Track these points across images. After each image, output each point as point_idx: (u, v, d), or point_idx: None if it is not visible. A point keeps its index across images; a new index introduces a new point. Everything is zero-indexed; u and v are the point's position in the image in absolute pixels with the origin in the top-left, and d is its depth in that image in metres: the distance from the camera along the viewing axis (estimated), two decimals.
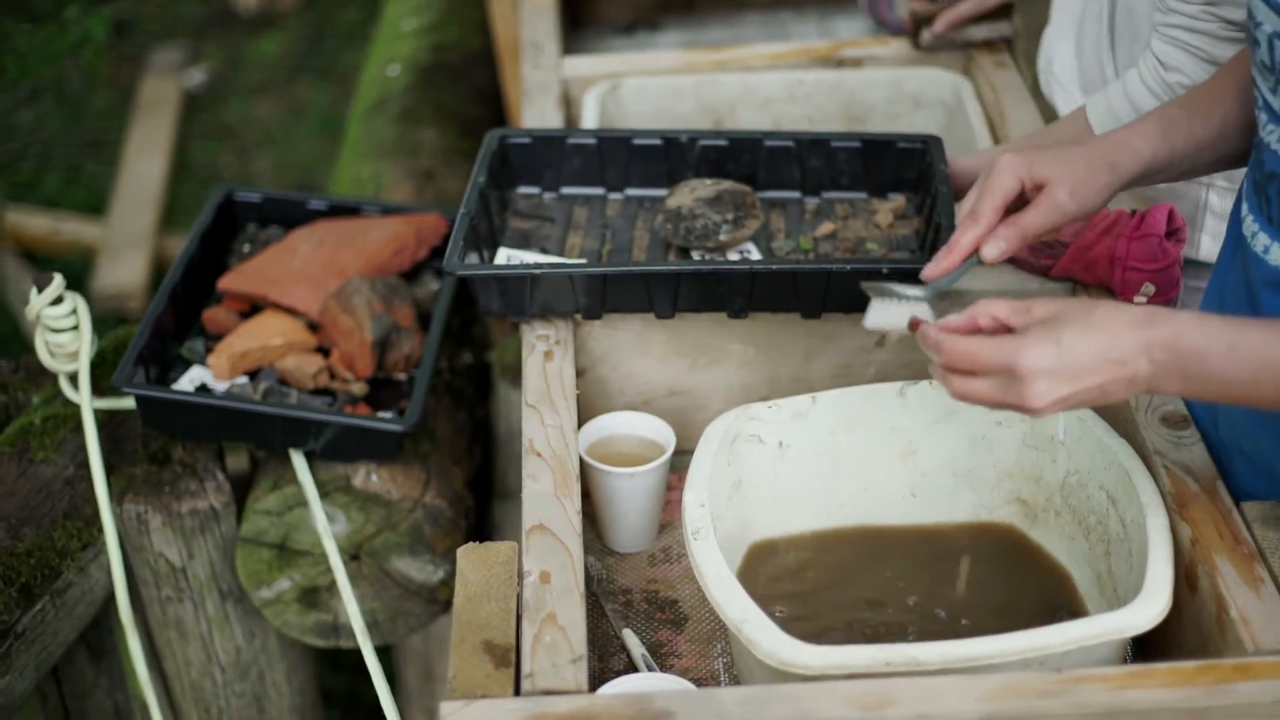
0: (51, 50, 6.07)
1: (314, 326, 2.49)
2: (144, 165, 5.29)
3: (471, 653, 1.70)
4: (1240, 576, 1.75)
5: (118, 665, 2.61)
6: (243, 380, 2.43)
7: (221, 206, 2.69)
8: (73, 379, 2.44)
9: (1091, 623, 1.70)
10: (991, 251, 1.87)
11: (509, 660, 1.69)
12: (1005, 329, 1.69)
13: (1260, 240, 1.77)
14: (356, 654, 2.42)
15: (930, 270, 1.90)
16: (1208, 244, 2.38)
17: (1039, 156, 1.90)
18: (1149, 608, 1.72)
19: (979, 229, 1.88)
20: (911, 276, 2.14)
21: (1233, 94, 1.91)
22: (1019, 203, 1.91)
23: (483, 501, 2.78)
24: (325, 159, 5.22)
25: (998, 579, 2.09)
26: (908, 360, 2.28)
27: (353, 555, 2.38)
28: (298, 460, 2.38)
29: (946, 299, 1.90)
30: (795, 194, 2.45)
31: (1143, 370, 1.63)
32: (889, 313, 1.88)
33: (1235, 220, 1.88)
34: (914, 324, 1.76)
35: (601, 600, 2.10)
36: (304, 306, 2.48)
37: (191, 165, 5.47)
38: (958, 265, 1.89)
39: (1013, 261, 2.28)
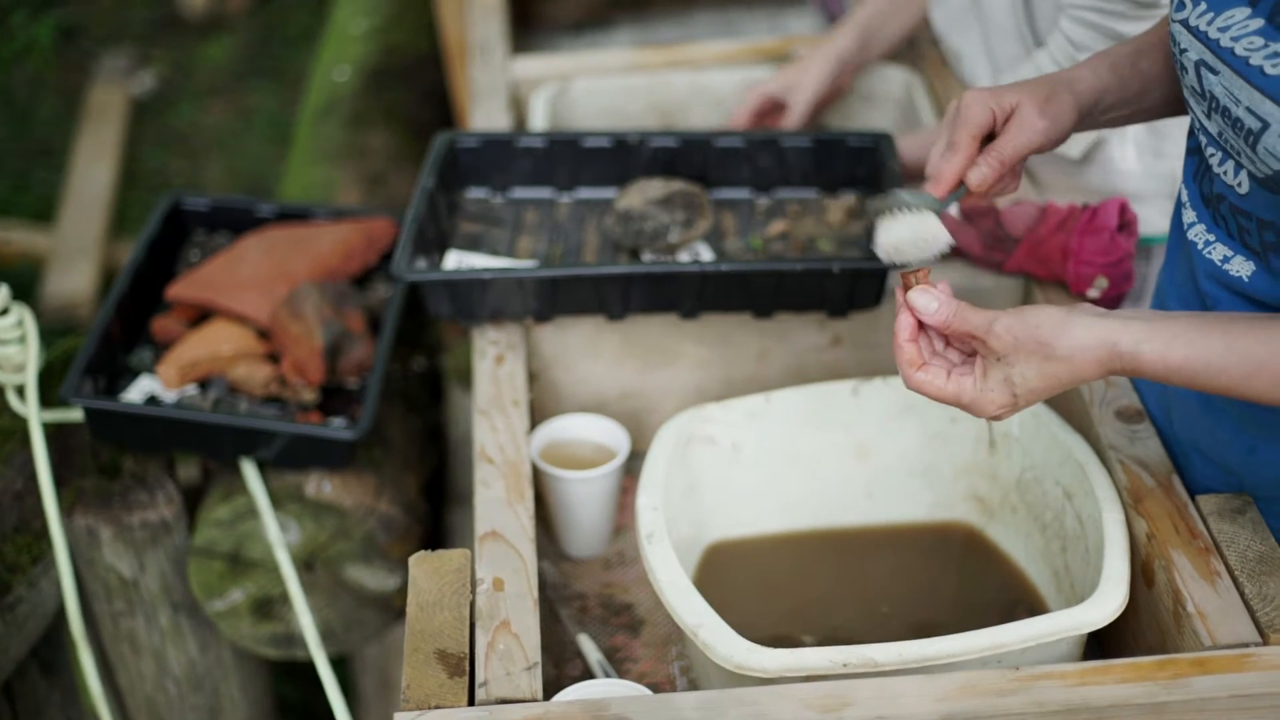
0: None
1: (264, 334, 2.47)
2: (93, 172, 5.25)
3: (424, 662, 1.68)
4: (1196, 570, 1.74)
5: (70, 680, 2.58)
6: (192, 390, 2.40)
7: (169, 214, 2.67)
8: (20, 391, 2.42)
9: (1048, 620, 1.70)
10: (976, 177, 1.84)
11: (463, 669, 1.68)
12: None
13: (1218, 250, 1.76)
14: (313, 664, 2.40)
15: (930, 187, 1.87)
16: None
17: (1003, 89, 1.88)
18: (1106, 603, 1.71)
19: (960, 158, 1.85)
20: (866, 275, 2.13)
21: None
22: (989, 136, 1.89)
23: (437, 507, 2.76)
24: (276, 163, 5.18)
25: (955, 577, 2.08)
26: (861, 358, 2.27)
27: (306, 565, 2.36)
28: (249, 470, 2.36)
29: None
30: (746, 193, 2.44)
31: (1098, 381, 1.65)
32: (900, 227, 1.82)
33: (1178, 223, 1.87)
34: (906, 282, 1.74)
35: (557, 606, 2.08)
36: (253, 313, 2.46)
37: (141, 172, 5.43)
38: (944, 196, 1.86)
39: (966, 257, 2.28)
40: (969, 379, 1.68)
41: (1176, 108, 1.96)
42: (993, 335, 1.65)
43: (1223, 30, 1.64)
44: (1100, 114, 1.91)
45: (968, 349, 1.72)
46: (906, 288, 1.72)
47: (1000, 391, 1.66)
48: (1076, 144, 2.39)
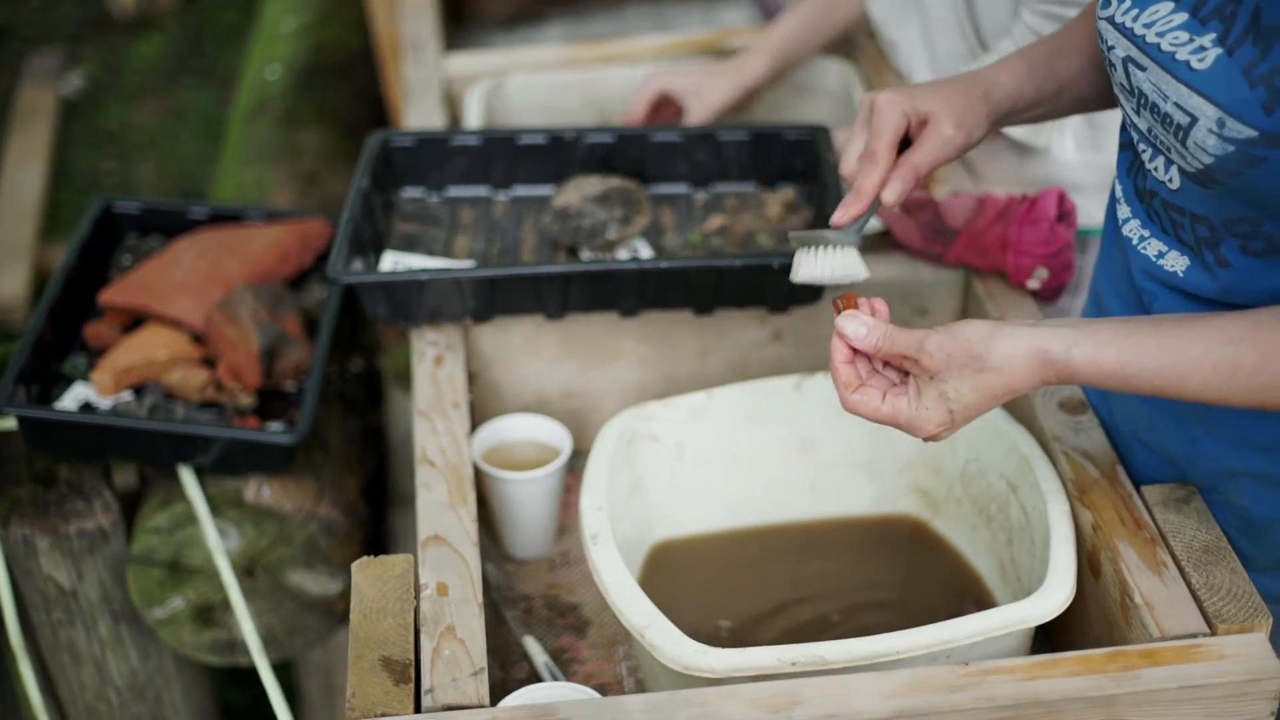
0: None
1: (199, 338, 2.44)
2: (22, 175, 5.20)
3: (369, 670, 1.66)
4: (1143, 561, 1.74)
5: (10, 692, 2.55)
6: (128, 396, 2.37)
7: (100, 217, 2.64)
8: None
9: (996, 614, 1.69)
10: (891, 195, 1.86)
11: (408, 676, 1.66)
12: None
13: (1153, 245, 1.76)
14: (256, 669, 2.38)
15: (840, 217, 1.87)
16: None
17: (917, 92, 1.88)
18: (1053, 596, 1.71)
19: (879, 171, 1.85)
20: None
21: (1091, 40, 1.90)
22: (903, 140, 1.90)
23: (378, 509, 2.74)
24: (208, 162, 5.15)
25: (901, 571, 2.08)
26: (803, 353, 2.27)
27: (247, 571, 2.34)
28: (187, 476, 2.33)
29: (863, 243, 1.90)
30: (684, 188, 2.43)
31: (1035, 389, 1.67)
32: (818, 263, 1.86)
33: (1112, 218, 1.87)
34: (836, 307, 1.73)
35: (502, 608, 2.07)
36: (188, 318, 2.43)
37: (72, 173, 5.38)
38: (865, 210, 1.86)
39: (906, 250, 2.27)
40: (904, 400, 1.67)
41: (1088, 106, 1.96)
42: (924, 354, 1.64)
43: (1148, 26, 1.64)
44: (1012, 117, 1.92)
45: (903, 370, 1.70)
46: (838, 312, 1.72)
47: (936, 409, 1.65)
48: (1041, 134, 2.39)
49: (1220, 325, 1.59)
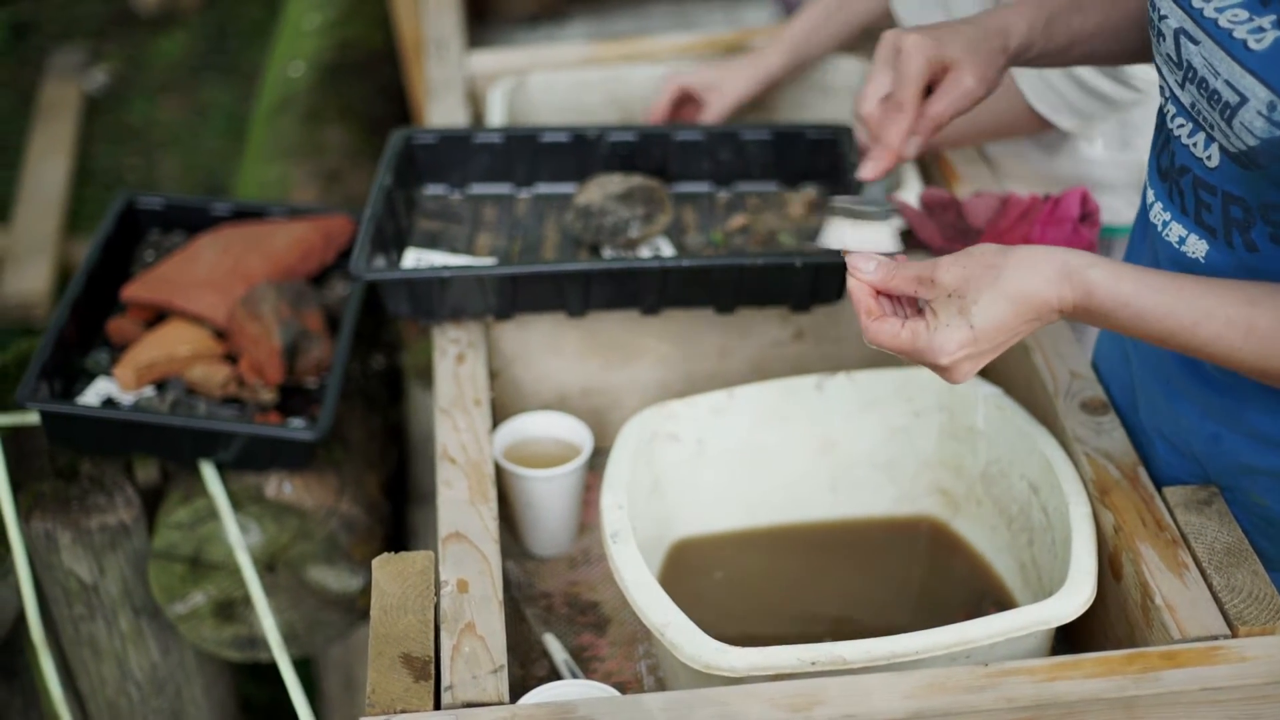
0: None
1: (221, 334, 2.45)
2: (46, 170, 5.21)
3: (390, 666, 1.67)
4: (1164, 563, 1.74)
5: (31, 686, 2.56)
6: (150, 391, 2.38)
7: (123, 213, 2.64)
8: None
9: (1017, 615, 1.69)
10: (912, 149, 1.84)
11: (428, 673, 1.66)
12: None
13: (1174, 230, 1.75)
14: (277, 665, 2.38)
15: (869, 170, 1.85)
16: None
17: (942, 37, 1.85)
18: (1074, 597, 1.71)
19: (906, 120, 1.83)
20: (828, 269, 2.12)
21: (1110, 2, 1.89)
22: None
23: (399, 506, 2.74)
24: (231, 159, 5.16)
25: (922, 571, 2.08)
26: (824, 353, 2.26)
27: (268, 566, 2.34)
28: (208, 472, 2.34)
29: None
30: (706, 187, 2.43)
31: (1054, 319, 1.64)
32: (851, 234, 1.85)
33: (1143, 205, 1.86)
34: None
35: (522, 605, 2.07)
36: (210, 314, 2.44)
37: (95, 169, 5.39)
38: (895, 161, 1.84)
39: (928, 249, 2.27)
40: (922, 323, 1.64)
41: (1093, 63, 1.95)
42: (940, 270, 1.62)
43: (1207, 0, 1.63)
44: (1021, 62, 1.90)
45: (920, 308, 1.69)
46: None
47: (956, 326, 1.61)
48: (1093, 127, 2.35)
49: (1241, 284, 1.60)
